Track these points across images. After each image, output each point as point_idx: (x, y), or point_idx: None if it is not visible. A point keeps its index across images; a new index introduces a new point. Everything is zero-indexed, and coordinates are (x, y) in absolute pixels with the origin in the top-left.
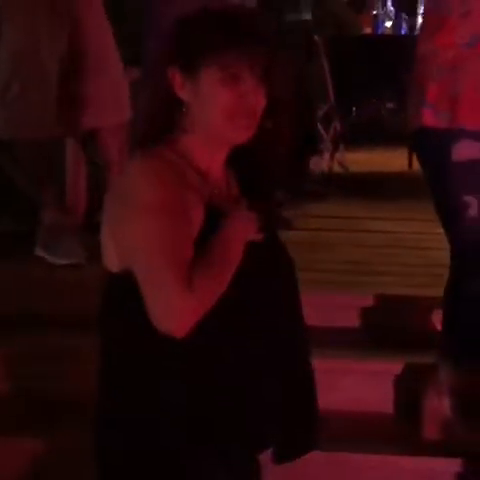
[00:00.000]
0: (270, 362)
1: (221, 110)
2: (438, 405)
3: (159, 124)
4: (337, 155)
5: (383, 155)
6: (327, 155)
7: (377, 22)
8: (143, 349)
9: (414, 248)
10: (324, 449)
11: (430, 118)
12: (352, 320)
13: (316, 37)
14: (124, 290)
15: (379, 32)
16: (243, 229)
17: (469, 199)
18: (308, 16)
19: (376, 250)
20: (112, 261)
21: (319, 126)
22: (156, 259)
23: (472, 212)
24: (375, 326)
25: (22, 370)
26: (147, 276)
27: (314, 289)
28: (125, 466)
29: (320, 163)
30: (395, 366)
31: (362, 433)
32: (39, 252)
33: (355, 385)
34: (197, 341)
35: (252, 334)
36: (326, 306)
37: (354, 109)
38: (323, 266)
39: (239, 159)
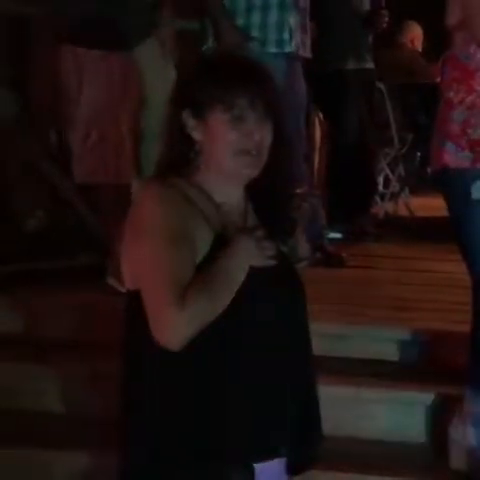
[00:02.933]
0: (273, 380)
1: (228, 149)
2: (463, 435)
3: (175, 160)
4: (402, 199)
5: None
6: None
7: None
8: (153, 363)
9: (459, 287)
10: (352, 473)
11: (452, 159)
12: (387, 352)
13: (381, 85)
14: (137, 308)
15: None
16: (246, 254)
17: None
18: (370, 65)
19: (421, 288)
20: (128, 280)
21: (387, 170)
22: (153, 277)
23: None
24: (409, 358)
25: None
26: (146, 293)
27: (353, 322)
28: None
29: (384, 206)
30: (427, 396)
31: (390, 460)
32: (110, 280)
33: (387, 414)
34: (198, 358)
35: (255, 353)
36: (364, 338)
37: (419, 154)
38: (368, 302)
39: (254, 192)
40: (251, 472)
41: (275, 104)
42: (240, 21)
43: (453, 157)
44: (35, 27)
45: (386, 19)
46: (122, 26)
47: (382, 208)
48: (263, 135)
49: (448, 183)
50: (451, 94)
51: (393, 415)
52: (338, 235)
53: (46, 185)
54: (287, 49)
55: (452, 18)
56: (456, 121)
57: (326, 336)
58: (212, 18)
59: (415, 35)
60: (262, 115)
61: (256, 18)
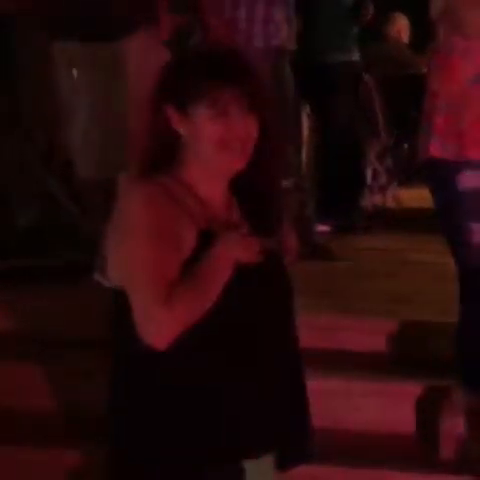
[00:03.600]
0: (261, 377)
1: (213, 143)
2: (453, 425)
3: (159, 156)
4: (390, 190)
5: None
6: (379, 190)
7: None
8: (138, 362)
9: (448, 278)
10: (344, 466)
11: (438, 150)
12: (376, 344)
13: (367, 76)
14: (123, 305)
15: None
16: (231, 250)
17: (474, 226)
18: (356, 57)
19: (410, 280)
20: (113, 276)
21: (375, 162)
22: (139, 277)
23: (476, 239)
24: (399, 350)
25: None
26: (132, 292)
27: (345, 314)
28: None
29: (372, 198)
30: (416, 388)
31: (381, 452)
32: (97, 276)
33: (377, 406)
34: (185, 356)
35: (241, 349)
36: (355, 330)
37: (406, 146)
38: (358, 294)
39: (239, 187)
40: (241, 469)
41: (260, 98)
42: (227, 15)
43: (439, 148)
44: (22, 26)
45: (371, 11)
46: (106, 19)
47: (370, 200)
48: (247, 129)
49: (434, 174)
50: (435, 85)
51: (383, 407)
52: (327, 228)
53: (37, 183)
54: (273, 43)
55: (435, 10)
56: (441, 113)
57: (315, 328)
58: (199, 13)
59: (401, 27)
60: (246, 109)
61: (242, 12)
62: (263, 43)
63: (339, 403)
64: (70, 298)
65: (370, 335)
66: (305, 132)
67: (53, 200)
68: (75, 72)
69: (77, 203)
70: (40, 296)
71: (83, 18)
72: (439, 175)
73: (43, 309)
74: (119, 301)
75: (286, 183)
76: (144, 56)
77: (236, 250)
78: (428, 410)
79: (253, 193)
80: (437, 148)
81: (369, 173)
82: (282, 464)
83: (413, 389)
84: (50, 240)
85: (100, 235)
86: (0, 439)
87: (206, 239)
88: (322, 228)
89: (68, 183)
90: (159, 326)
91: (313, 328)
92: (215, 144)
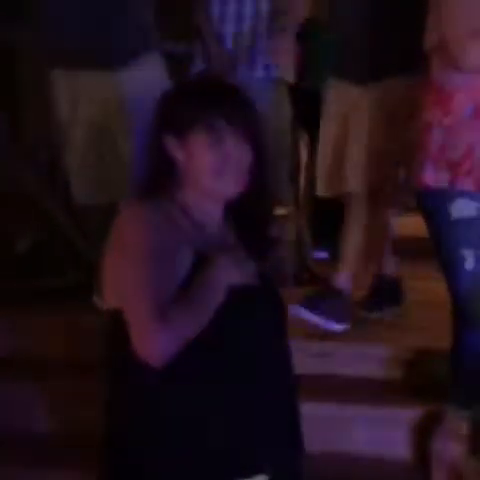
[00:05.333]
0: (255, 397)
1: (208, 170)
2: (446, 450)
3: (157, 181)
4: None
5: None
6: None
7: None
8: (134, 381)
9: (441, 304)
10: None
11: (432, 179)
12: (369, 369)
13: None
14: (119, 326)
15: None
16: (225, 272)
17: (466, 253)
18: None
19: (404, 305)
20: (109, 297)
21: None
22: (134, 295)
23: (468, 265)
24: (393, 375)
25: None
26: (128, 311)
27: (339, 340)
28: None
29: None
30: (409, 413)
31: (374, 477)
32: (96, 299)
33: (370, 431)
34: (180, 376)
35: (236, 370)
36: (349, 355)
37: (404, 174)
38: (353, 320)
39: (235, 211)
40: None
41: (254, 126)
42: (229, 45)
43: (433, 177)
44: (23, 49)
45: None
46: (105, 48)
47: None
48: (242, 156)
49: (428, 203)
50: (429, 116)
51: (376, 432)
52: (324, 255)
53: (35, 205)
54: (274, 74)
55: (429, 41)
56: (435, 142)
57: (309, 354)
58: (202, 41)
59: None
60: (241, 136)
61: (245, 43)
62: (264, 73)
63: (333, 428)
64: (71, 320)
65: (364, 360)
66: (303, 160)
67: (53, 221)
68: (74, 99)
69: (77, 224)
70: (41, 317)
71: (83, 47)
72: (433, 204)
73: (43, 330)
74: (115, 322)
75: (283, 210)
76: (143, 85)
77: (230, 272)
78: (421, 435)
79: (248, 218)
80: (431, 177)
81: None
82: None
83: (406, 414)
84: (50, 261)
85: (99, 257)
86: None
87: (201, 261)
88: (319, 255)
89: (69, 204)
90: (155, 343)
91: (307, 354)
92: (211, 172)
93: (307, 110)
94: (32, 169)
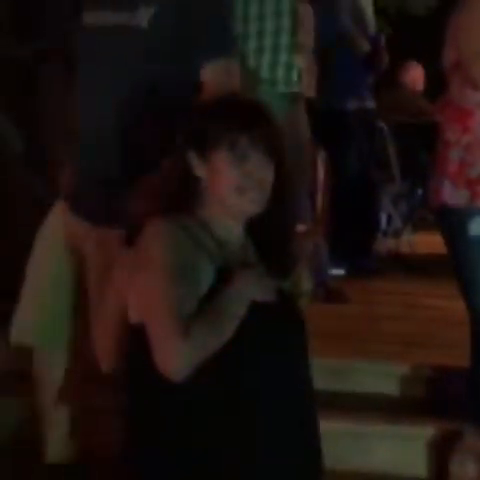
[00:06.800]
0: (275, 413)
1: (231, 187)
2: (463, 470)
3: (180, 197)
4: (404, 235)
5: None
6: (393, 235)
7: None
8: (155, 395)
9: (460, 322)
10: None
11: (450, 197)
12: (388, 387)
13: (381, 124)
14: (141, 341)
15: None
16: (247, 288)
17: None
18: (371, 104)
19: (422, 324)
20: (131, 313)
21: (390, 207)
22: (158, 311)
23: None
24: (411, 393)
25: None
26: (151, 325)
27: (358, 357)
28: None
29: (386, 243)
30: (427, 432)
31: None
32: None
33: (388, 449)
34: (201, 391)
35: (254, 389)
36: (368, 373)
37: (420, 192)
38: (371, 337)
39: (255, 228)
40: None
41: (277, 144)
42: (251, 62)
43: (451, 195)
44: (43, 69)
45: (386, 60)
46: None
47: (384, 245)
48: (265, 174)
49: (446, 221)
50: (448, 134)
51: (394, 450)
52: (341, 271)
53: None
54: (295, 89)
55: (448, 60)
56: (453, 160)
57: (328, 371)
58: None
59: (416, 75)
60: (264, 154)
61: (266, 59)
62: (285, 89)
63: (350, 446)
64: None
65: (382, 378)
66: (320, 177)
67: None
68: None
69: None
70: None
71: None
72: (451, 222)
73: None
74: (136, 337)
75: (301, 227)
76: None
77: (252, 288)
78: (439, 453)
79: (268, 235)
80: (449, 195)
81: (384, 218)
82: None
83: (425, 432)
84: None
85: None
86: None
87: (223, 277)
88: (336, 271)
89: None
90: (176, 358)
91: (326, 370)
92: (233, 189)
93: (323, 128)
94: (47, 185)
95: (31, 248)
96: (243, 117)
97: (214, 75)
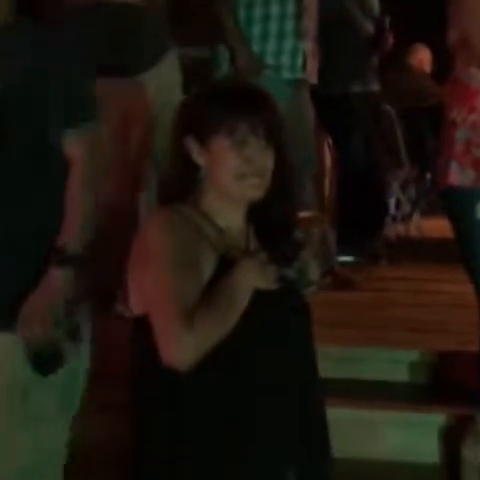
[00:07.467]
0: (281, 401)
1: (231, 173)
2: (475, 454)
3: (179, 186)
4: (413, 220)
5: None
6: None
7: None
8: (160, 388)
9: (470, 307)
10: None
11: (456, 178)
12: (399, 374)
13: (388, 107)
14: (145, 333)
15: None
16: (249, 276)
17: None
18: (376, 87)
19: (432, 309)
20: (134, 303)
21: (398, 192)
22: (161, 301)
23: None
24: (421, 379)
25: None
26: (154, 316)
27: (367, 344)
28: None
29: (395, 228)
30: (439, 417)
31: None
32: (119, 308)
33: (399, 435)
34: (202, 381)
35: (259, 377)
36: (375, 360)
37: (429, 176)
38: (380, 324)
39: (257, 216)
40: None
41: (277, 129)
42: (255, 48)
43: (457, 177)
44: None
45: (391, 40)
46: (130, 52)
47: (393, 230)
48: (265, 160)
49: (453, 203)
50: (454, 114)
51: (405, 436)
52: (349, 258)
53: None
54: (299, 75)
55: (452, 39)
56: (459, 141)
57: (337, 358)
58: (228, 45)
59: (423, 57)
60: (264, 140)
61: (272, 45)
62: (290, 75)
63: (362, 433)
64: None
65: (392, 364)
66: (327, 163)
67: None
68: None
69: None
70: None
71: (102, 52)
72: (458, 203)
73: None
74: (140, 329)
75: (308, 214)
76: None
77: (254, 277)
78: (451, 438)
79: (270, 222)
80: (456, 176)
81: (392, 203)
82: None
83: (435, 418)
84: None
85: (120, 265)
86: None
87: (225, 265)
88: (344, 258)
89: None
90: (181, 348)
91: (335, 358)
92: (232, 174)
93: (328, 112)
94: None
95: None
96: (243, 102)
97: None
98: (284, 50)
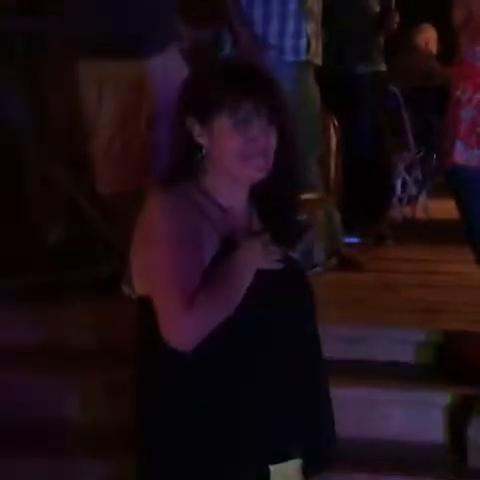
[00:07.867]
0: (286, 382)
1: (234, 153)
2: None
3: (182, 166)
4: (419, 202)
5: None
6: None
7: None
8: (164, 368)
9: (476, 287)
10: (371, 475)
11: (461, 156)
12: (404, 354)
13: (395, 88)
14: (147, 313)
15: None
16: (252, 257)
17: None
18: (382, 67)
19: (439, 290)
20: (137, 284)
21: (404, 174)
22: (163, 282)
23: None
24: (427, 359)
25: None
26: (156, 297)
27: (374, 324)
28: None
29: (402, 209)
30: (444, 397)
31: (408, 461)
32: (125, 288)
33: (404, 415)
34: (207, 360)
35: (263, 355)
36: (384, 340)
37: (435, 157)
38: (386, 305)
39: (260, 196)
40: (266, 474)
41: (280, 109)
42: (258, 29)
43: (463, 155)
44: (50, 42)
45: (396, 20)
46: (138, 35)
47: (400, 212)
48: (268, 140)
49: (459, 181)
50: (459, 93)
51: (410, 416)
52: (355, 239)
53: (64, 197)
54: (303, 57)
55: (457, 19)
56: (465, 120)
57: (342, 339)
58: (231, 26)
59: (429, 37)
60: (266, 120)
61: (274, 26)
62: (293, 57)
63: (367, 412)
64: (102, 311)
65: (399, 345)
66: (333, 144)
67: (81, 214)
68: (102, 89)
69: (105, 214)
70: (72, 309)
71: (114, 35)
72: (463, 182)
73: (74, 322)
74: (143, 310)
75: (313, 195)
76: (167, 72)
77: (257, 257)
78: (456, 418)
79: (273, 202)
80: (461, 155)
81: (398, 184)
82: (305, 470)
83: (441, 398)
84: (80, 254)
85: (126, 246)
86: (32, 451)
87: (227, 246)
88: (350, 239)
89: (96, 194)
90: (183, 328)
91: (342, 339)
92: (235, 155)
93: (333, 93)
94: (59, 163)
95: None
96: (246, 82)
97: None
98: (286, 31)
